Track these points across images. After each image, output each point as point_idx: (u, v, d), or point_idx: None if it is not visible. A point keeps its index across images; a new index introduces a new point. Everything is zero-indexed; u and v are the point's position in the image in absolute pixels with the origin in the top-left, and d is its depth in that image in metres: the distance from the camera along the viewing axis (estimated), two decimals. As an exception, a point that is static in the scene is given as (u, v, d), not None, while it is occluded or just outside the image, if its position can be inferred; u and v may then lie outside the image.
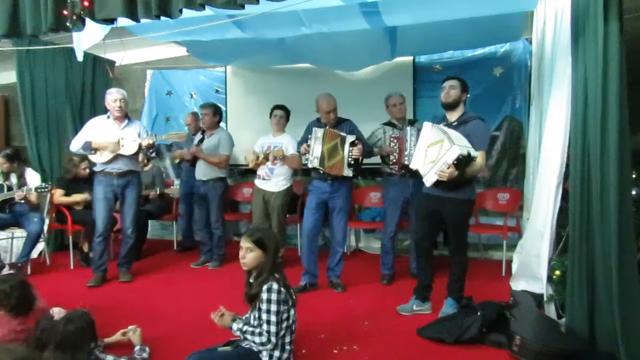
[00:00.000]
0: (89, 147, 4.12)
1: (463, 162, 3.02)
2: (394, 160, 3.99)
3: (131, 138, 4.15)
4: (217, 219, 4.76)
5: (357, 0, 3.35)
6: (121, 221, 4.36)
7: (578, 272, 2.62)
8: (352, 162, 3.78)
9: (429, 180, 3.18)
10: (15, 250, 4.68)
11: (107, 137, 4.12)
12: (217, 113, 4.82)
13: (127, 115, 4.27)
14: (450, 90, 3.30)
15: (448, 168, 3.02)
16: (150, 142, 4.13)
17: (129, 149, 4.14)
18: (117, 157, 4.14)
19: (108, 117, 4.23)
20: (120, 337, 2.83)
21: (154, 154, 4.41)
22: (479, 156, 3.15)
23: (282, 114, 4.57)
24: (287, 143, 4.46)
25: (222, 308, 2.45)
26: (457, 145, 3.00)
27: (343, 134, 3.81)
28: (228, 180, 5.95)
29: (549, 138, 3.20)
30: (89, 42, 3.67)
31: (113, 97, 4.15)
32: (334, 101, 3.91)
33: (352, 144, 3.77)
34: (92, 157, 4.21)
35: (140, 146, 4.13)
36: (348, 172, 3.81)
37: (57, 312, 2.66)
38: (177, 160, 5.33)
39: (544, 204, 3.19)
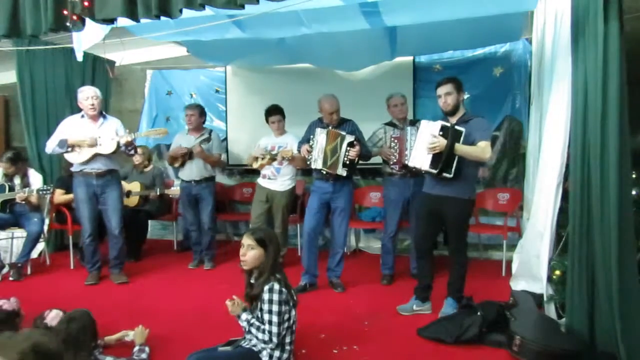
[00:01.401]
0: (65, 144, 4.00)
1: (450, 131, 3.04)
2: (395, 160, 3.99)
3: (109, 137, 4.05)
4: (211, 220, 4.74)
5: (357, 0, 3.35)
6: (106, 223, 4.22)
7: (578, 272, 2.62)
8: (348, 162, 3.76)
9: (424, 163, 3.19)
10: (15, 250, 4.68)
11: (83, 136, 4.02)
12: (203, 114, 4.80)
13: (102, 113, 4.15)
14: (446, 98, 3.27)
15: (435, 138, 3.10)
16: (129, 139, 4.02)
17: (107, 147, 4.04)
18: (95, 156, 4.04)
19: (82, 116, 4.12)
20: (123, 334, 2.82)
21: (132, 152, 4.28)
22: (484, 144, 3.14)
23: (279, 118, 4.54)
24: (291, 143, 4.43)
25: (235, 297, 2.44)
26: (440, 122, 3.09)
27: (343, 133, 3.81)
28: (229, 180, 5.99)
29: (549, 138, 3.20)
30: (89, 42, 3.67)
31: (85, 95, 4.03)
32: (336, 102, 3.91)
33: (350, 145, 3.75)
34: (69, 157, 4.09)
35: (118, 144, 4.04)
36: (342, 172, 3.78)
37: (53, 317, 2.60)
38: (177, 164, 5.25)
39: (544, 204, 3.19)
